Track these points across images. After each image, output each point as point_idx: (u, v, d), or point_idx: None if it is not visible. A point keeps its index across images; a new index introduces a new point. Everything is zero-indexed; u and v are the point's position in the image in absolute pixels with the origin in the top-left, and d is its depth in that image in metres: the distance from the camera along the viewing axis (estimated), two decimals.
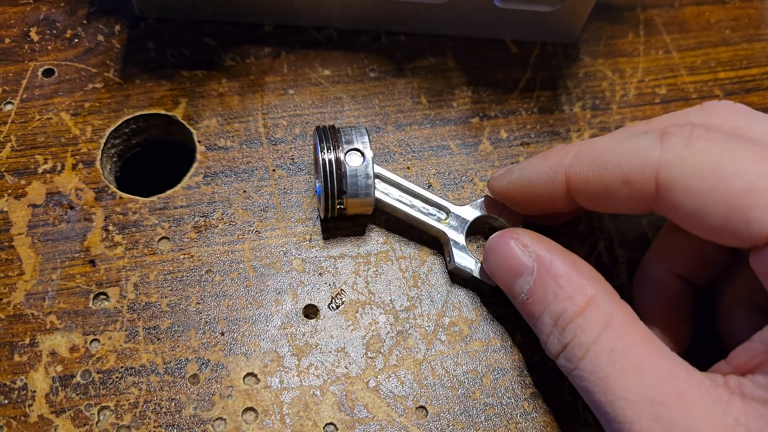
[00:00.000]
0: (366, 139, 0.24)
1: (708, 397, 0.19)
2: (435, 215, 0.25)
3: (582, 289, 0.21)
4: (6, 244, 0.25)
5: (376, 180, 0.25)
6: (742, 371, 0.20)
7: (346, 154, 0.24)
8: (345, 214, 0.25)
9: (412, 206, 0.25)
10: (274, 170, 0.27)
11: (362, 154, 0.24)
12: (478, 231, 0.26)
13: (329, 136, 0.24)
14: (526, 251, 0.22)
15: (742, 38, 0.32)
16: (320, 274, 0.25)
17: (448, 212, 0.25)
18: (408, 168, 0.28)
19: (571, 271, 0.21)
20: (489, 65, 0.30)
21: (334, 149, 0.24)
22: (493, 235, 0.24)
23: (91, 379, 0.23)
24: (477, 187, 0.28)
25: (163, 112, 0.28)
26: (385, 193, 0.25)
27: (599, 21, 0.32)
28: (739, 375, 0.19)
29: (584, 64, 0.31)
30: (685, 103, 0.30)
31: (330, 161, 0.24)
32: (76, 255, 0.25)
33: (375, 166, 0.25)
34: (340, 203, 0.24)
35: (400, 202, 0.25)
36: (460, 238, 0.25)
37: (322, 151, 0.24)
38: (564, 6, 0.29)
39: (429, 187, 0.27)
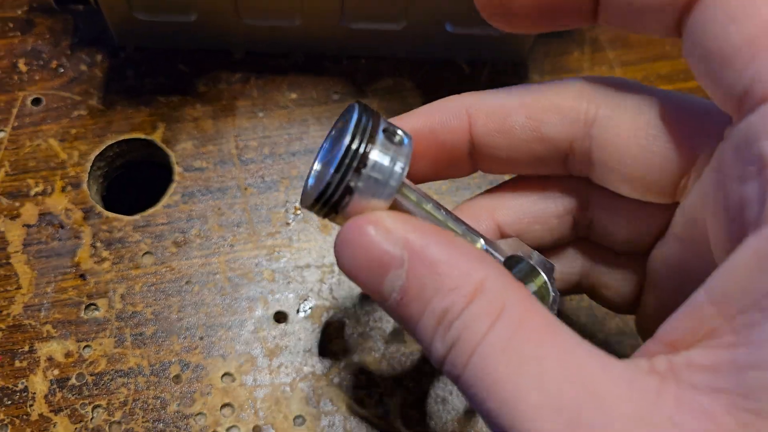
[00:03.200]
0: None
1: (632, 391, 0.14)
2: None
3: (468, 274, 0.16)
4: (4, 261, 0.28)
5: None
6: (674, 349, 0.15)
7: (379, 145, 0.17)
8: (336, 221, 0.18)
9: (444, 224, 0.19)
10: (245, 188, 0.30)
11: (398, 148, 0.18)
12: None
13: (368, 125, 0.18)
14: (391, 238, 0.17)
15: (681, 53, 0.35)
16: (288, 282, 0.28)
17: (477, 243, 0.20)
18: None
19: (452, 254, 0.17)
20: (443, 85, 0.33)
21: (370, 142, 0.17)
22: (346, 223, 0.17)
23: (84, 381, 0.26)
24: None
25: (143, 136, 0.31)
26: (415, 202, 0.19)
27: (548, 38, 0.35)
28: (669, 354, 0.15)
29: (532, 81, 0.33)
30: None
31: (355, 153, 0.17)
32: (68, 270, 0.28)
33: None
34: (338, 204, 0.17)
35: (432, 216, 0.19)
36: None
37: (353, 140, 0.17)
38: None
39: None
